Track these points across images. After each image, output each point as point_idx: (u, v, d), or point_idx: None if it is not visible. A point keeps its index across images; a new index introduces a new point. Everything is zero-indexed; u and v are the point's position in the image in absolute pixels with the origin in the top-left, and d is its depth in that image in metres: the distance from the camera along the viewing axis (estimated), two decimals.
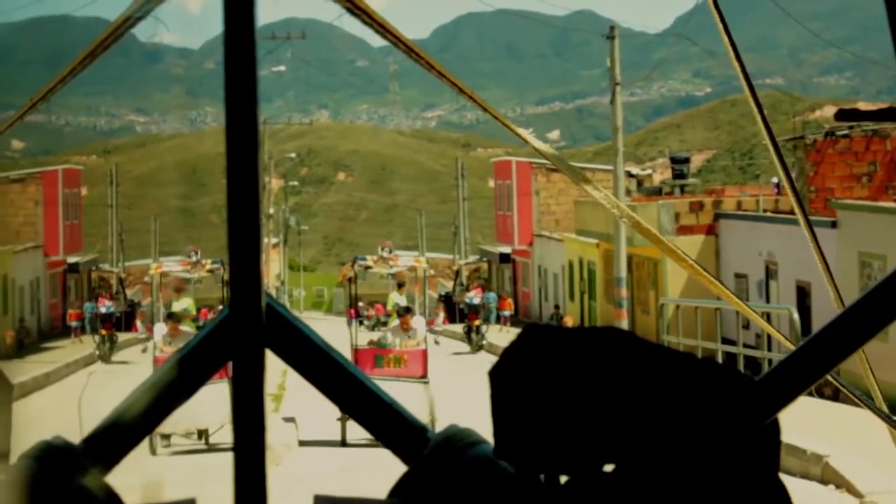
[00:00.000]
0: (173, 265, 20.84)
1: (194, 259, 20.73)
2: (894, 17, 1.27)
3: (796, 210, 1.74)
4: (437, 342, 21.58)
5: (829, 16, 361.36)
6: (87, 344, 38.34)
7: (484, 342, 35.92)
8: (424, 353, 18.34)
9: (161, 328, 19.50)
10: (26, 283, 46.54)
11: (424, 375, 18.09)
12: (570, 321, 41.46)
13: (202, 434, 17.86)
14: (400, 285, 32.09)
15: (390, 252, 19.98)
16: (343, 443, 17.44)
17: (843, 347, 1.17)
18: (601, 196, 1.65)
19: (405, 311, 19.28)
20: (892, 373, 22.01)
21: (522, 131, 1.62)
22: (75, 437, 1.17)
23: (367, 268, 20.02)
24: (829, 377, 1.22)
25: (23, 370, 28.56)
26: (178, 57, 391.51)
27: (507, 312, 43.76)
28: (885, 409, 1.86)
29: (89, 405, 11.38)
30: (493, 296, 39.83)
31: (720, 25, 1.65)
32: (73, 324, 42.79)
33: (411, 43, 1.46)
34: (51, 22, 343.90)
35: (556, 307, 45.47)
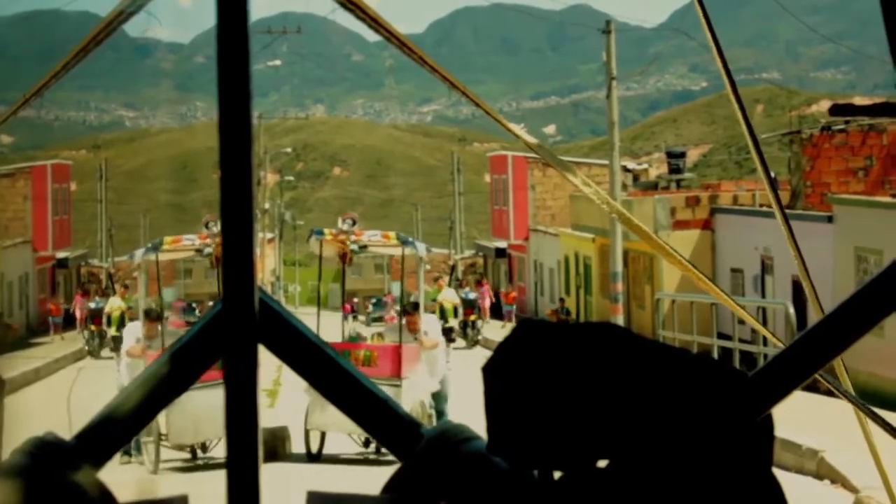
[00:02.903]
0: (195, 238, 16.95)
1: (215, 230, 16.46)
2: (889, 14, 1.27)
3: (774, 207, 1.74)
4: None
5: (826, 10, 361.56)
6: (70, 341, 38.50)
7: (479, 337, 35.92)
8: (396, 350, 15.48)
9: (135, 328, 16.39)
10: (15, 279, 46.48)
11: (397, 376, 15.17)
12: (551, 314, 41.34)
13: (202, 447, 15.77)
14: (436, 279, 31.49)
15: (353, 224, 16.72)
16: (310, 456, 15.43)
17: (838, 342, 1.17)
18: (592, 192, 1.65)
19: (413, 309, 16.31)
20: (887, 368, 22.04)
21: (514, 126, 1.62)
22: (65, 434, 1.17)
23: (363, 247, 17.08)
24: (816, 375, 1.22)
25: (11, 366, 28.55)
26: (167, 51, 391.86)
27: (510, 307, 43.69)
28: (850, 389, 1.86)
29: (78, 401, 11.32)
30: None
31: (704, 22, 1.65)
32: (54, 319, 42.78)
33: (404, 38, 1.46)
34: (41, 17, 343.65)
35: (562, 300, 44.17)
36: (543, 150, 1.68)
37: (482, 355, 31.01)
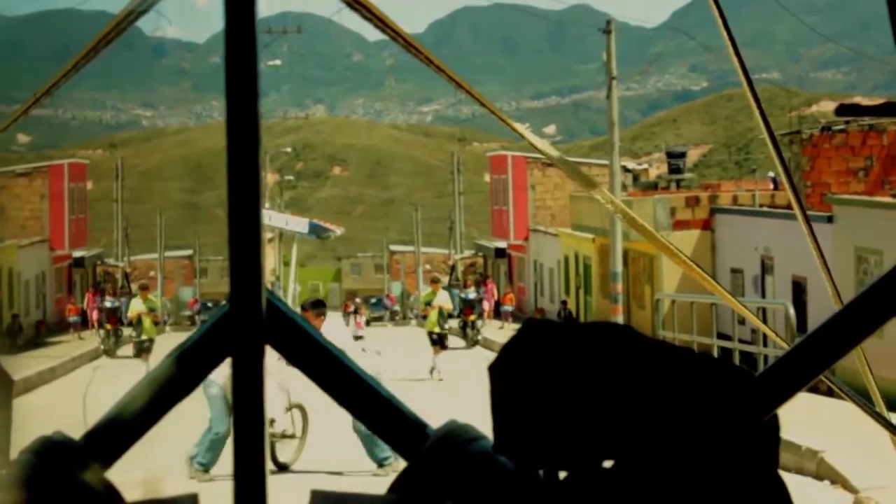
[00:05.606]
0: None
1: None
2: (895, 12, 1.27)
3: (795, 207, 1.74)
4: (378, 352, 15.05)
5: (826, 10, 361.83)
6: (87, 340, 38.64)
7: (479, 337, 35.87)
8: None
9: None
10: (32, 278, 46.62)
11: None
12: (537, 314, 41.40)
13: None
14: (433, 281, 31.22)
15: None
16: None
17: (844, 343, 1.17)
18: (598, 193, 1.65)
19: (310, 307, 14.58)
20: (887, 369, 22.05)
21: (519, 126, 1.62)
22: (80, 433, 1.17)
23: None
24: (822, 376, 1.22)
25: (27, 365, 28.48)
26: (184, 51, 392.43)
27: (508, 308, 43.63)
28: (882, 405, 1.86)
29: (94, 400, 11.27)
30: (454, 292, 37.28)
31: (719, 20, 1.65)
32: (72, 318, 43.04)
33: (411, 38, 1.46)
34: (56, 15, 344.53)
35: (563, 302, 44.10)
36: (548, 151, 1.68)
37: (480, 356, 31.02)
